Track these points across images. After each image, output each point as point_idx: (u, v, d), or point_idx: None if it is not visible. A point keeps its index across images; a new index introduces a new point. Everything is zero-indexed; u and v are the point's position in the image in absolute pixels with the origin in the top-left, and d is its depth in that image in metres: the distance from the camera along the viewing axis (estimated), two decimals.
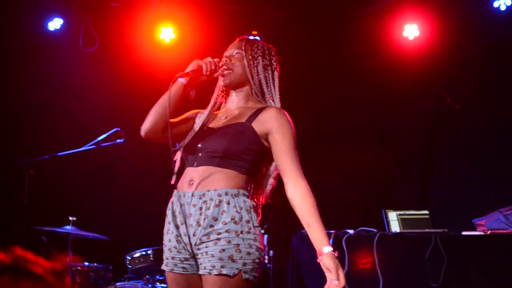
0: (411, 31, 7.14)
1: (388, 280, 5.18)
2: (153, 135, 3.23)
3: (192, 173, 3.11)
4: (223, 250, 2.94)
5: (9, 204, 6.59)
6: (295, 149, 3.13)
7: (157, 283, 5.90)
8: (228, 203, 2.99)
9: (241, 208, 3.00)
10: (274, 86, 3.31)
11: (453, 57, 6.94)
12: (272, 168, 3.23)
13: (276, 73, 3.33)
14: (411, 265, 5.19)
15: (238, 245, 2.95)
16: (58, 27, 7.35)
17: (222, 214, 2.98)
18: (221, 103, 3.42)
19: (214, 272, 2.94)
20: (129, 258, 6.03)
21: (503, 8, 6.74)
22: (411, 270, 5.19)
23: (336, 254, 2.96)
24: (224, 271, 2.93)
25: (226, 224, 2.96)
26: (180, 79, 3.20)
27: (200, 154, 3.12)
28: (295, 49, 7.47)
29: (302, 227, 5.93)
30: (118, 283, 5.80)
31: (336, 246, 5.44)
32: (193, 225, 3.02)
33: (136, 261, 5.98)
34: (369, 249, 5.28)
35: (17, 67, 7.19)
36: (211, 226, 2.97)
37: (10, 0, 7.09)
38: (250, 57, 3.27)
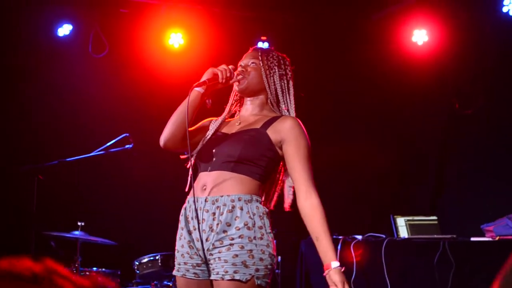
0: (420, 36, 7.13)
1: (396, 286, 5.18)
2: (173, 144, 3.24)
3: (206, 178, 3.12)
4: (236, 255, 2.95)
5: (18, 210, 6.61)
6: (309, 160, 3.15)
7: None
8: (242, 209, 3.00)
9: (254, 214, 3.01)
10: (289, 95, 3.33)
11: (463, 62, 6.93)
12: (289, 177, 3.24)
13: (291, 83, 3.35)
14: (419, 271, 5.18)
15: (251, 250, 2.96)
16: (67, 33, 7.37)
17: (235, 219, 2.99)
18: (235, 112, 3.44)
19: (227, 277, 2.95)
20: (137, 263, 6.04)
21: None
22: (419, 276, 5.18)
23: (342, 269, 2.96)
24: (237, 277, 2.94)
25: (239, 229, 2.97)
26: (197, 88, 3.20)
27: (214, 159, 3.14)
28: (304, 55, 7.47)
29: None
30: None
31: (344, 251, 5.44)
32: (206, 231, 3.03)
33: (144, 266, 5.99)
34: (377, 255, 5.27)
35: (26, 73, 7.21)
36: (224, 231, 2.98)
37: (20, 6, 7.11)
38: (266, 66, 3.28)
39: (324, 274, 2.98)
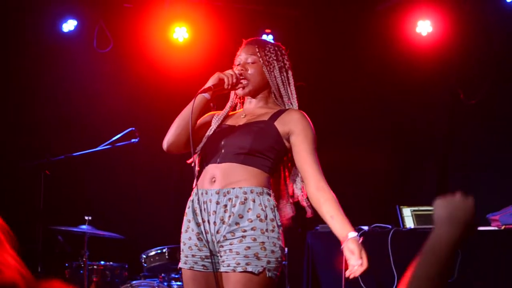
0: (424, 27, 7.12)
1: (403, 276, 5.18)
2: (176, 148, 3.26)
3: (214, 170, 3.12)
4: (249, 247, 2.97)
5: (25, 204, 6.64)
6: (316, 152, 3.18)
7: (173, 281, 5.92)
8: (254, 201, 3.01)
9: (266, 207, 3.03)
10: (290, 87, 3.34)
11: (467, 52, 6.92)
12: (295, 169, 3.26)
13: (290, 73, 3.35)
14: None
15: (263, 243, 2.98)
16: (72, 28, 7.39)
17: (247, 211, 3.00)
18: (236, 104, 3.45)
19: (239, 269, 2.96)
20: (144, 256, 6.07)
21: None
22: None
23: (360, 240, 2.98)
24: (249, 269, 2.95)
25: (252, 221, 2.99)
26: (203, 94, 3.18)
27: (223, 151, 3.13)
28: (308, 48, 7.48)
29: (317, 224, 5.95)
30: (134, 282, 5.83)
31: None
32: (217, 223, 3.04)
33: (152, 260, 6.02)
34: (383, 245, 5.28)
35: (32, 69, 7.23)
36: (237, 223, 3.00)
37: (25, 2, 7.13)
38: (266, 62, 3.27)
39: (342, 247, 2.98)
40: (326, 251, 5.75)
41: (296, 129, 3.16)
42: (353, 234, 2.98)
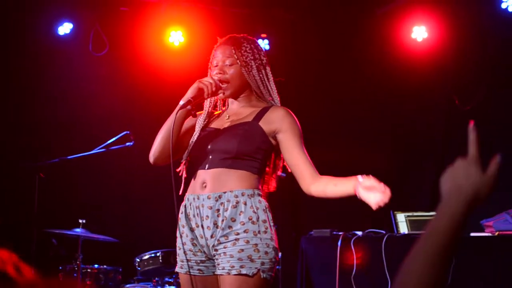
0: (419, 33, 7.14)
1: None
2: (162, 161, 3.27)
3: (204, 175, 3.13)
4: (242, 250, 2.99)
5: (19, 207, 6.63)
6: (304, 146, 3.21)
7: (166, 285, 5.92)
8: (245, 204, 3.03)
9: (257, 208, 3.04)
10: (270, 84, 3.33)
11: (462, 58, 6.94)
12: (279, 163, 3.29)
13: (268, 69, 3.34)
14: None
15: (256, 245, 3.00)
16: (67, 31, 7.39)
17: (239, 214, 3.02)
18: (216, 101, 3.43)
19: (234, 272, 2.98)
20: (138, 260, 6.07)
21: (511, 9, 6.73)
22: None
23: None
24: (244, 271, 2.98)
25: (244, 224, 3.01)
26: (186, 107, 3.17)
27: (210, 156, 3.14)
28: (305, 52, 7.49)
29: (310, 229, 5.96)
30: (127, 285, 5.84)
31: (344, 247, 5.45)
32: (210, 227, 3.06)
33: (145, 263, 6.02)
34: (377, 251, 5.29)
35: (27, 72, 7.23)
36: (230, 227, 3.02)
37: (20, 5, 7.13)
38: (244, 63, 3.24)
39: (356, 193, 3.08)
40: (320, 256, 5.76)
41: (283, 126, 3.17)
42: (361, 178, 3.06)
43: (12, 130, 7.16)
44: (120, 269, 6.22)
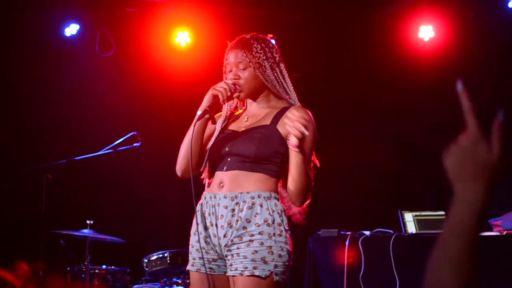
0: (426, 32, 7.12)
1: (405, 281, 5.18)
2: (189, 174, 3.22)
3: (222, 176, 3.14)
4: (256, 251, 2.99)
5: (27, 208, 6.64)
6: (312, 151, 3.16)
7: (174, 285, 5.92)
8: (261, 206, 3.02)
9: (273, 211, 3.04)
10: (285, 81, 3.30)
11: (469, 57, 6.92)
12: None
13: (282, 66, 3.31)
14: (428, 266, 5.18)
15: (270, 247, 2.99)
16: (74, 32, 7.40)
17: (255, 216, 3.02)
18: (236, 103, 3.41)
19: (246, 273, 2.98)
20: (146, 261, 6.07)
21: None
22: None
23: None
24: (257, 273, 2.97)
25: (259, 226, 3.00)
26: (203, 117, 3.16)
27: (228, 159, 3.14)
28: (310, 53, 7.49)
29: (318, 229, 5.96)
30: (135, 286, 5.84)
31: (352, 247, 5.45)
32: (224, 227, 3.06)
33: (153, 264, 6.02)
34: (385, 250, 5.28)
35: (34, 73, 7.24)
36: (244, 228, 3.01)
37: (27, 6, 7.14)
38: (257, 65, 3.21)
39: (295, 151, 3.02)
40: (327, 256, 5.76)
41: None
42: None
43: (19, 131, 7.18)
44: (128, 270, 6.22)
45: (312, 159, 3.20)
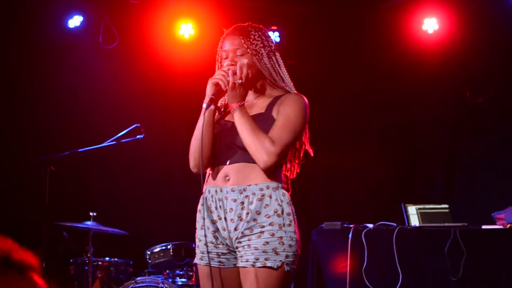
0: (430, 24, 7.11)
1: (408, 274, 5.18)
2: (204, 168, 3.21)
3: (226, 169, 3.13)
4: (267, 243, 2.99)
5: (30, 200, 6.65)
6: (293, 127, 3.11)
7: (177, 277, 5.93)
8: (270, 197, 3.03)
9: (282, 201, 3.04)
10: (281, 69, 3.30)
11: (473, 50, 6.90)
12: (300, 149, 3.27)
13: (277, 55, 3.31)
14: (431, 259, 5.18)
15: (281, 237, 3.00)
16: (78, 24, 7.39)
17: (265, 207, 3.02)
18: None
19: (258, 264, 2.99)
20: (149, 253, 6.07)
21: None
22: (431, 264, 5.18)
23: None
24: (269, 264, 2.98)
25: (269, 217, 3.01)
26: (210, 108, 3.15)
27: (231, 151, 3.14)
28: (314, 45, 7.48)
29: (321, 222, 5.95)
30: (138, 278, 5.84)
31: (355, 240, 5.44)
32: (235, 220, 3.05)
33: (156, 256, 6.02)
34: (388, 243, 5.27)
35: (38, 65, 7.24)
36: (254, 219, 3.01)
37: None
38: (254, 52, 3.21)
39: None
40: (330, 249, 5.75)
41: (283, 103, 3.14)
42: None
43: (22, 123, 7.18)
44: (131, 262, 6.23)
45: (306, 148, 3.21)
